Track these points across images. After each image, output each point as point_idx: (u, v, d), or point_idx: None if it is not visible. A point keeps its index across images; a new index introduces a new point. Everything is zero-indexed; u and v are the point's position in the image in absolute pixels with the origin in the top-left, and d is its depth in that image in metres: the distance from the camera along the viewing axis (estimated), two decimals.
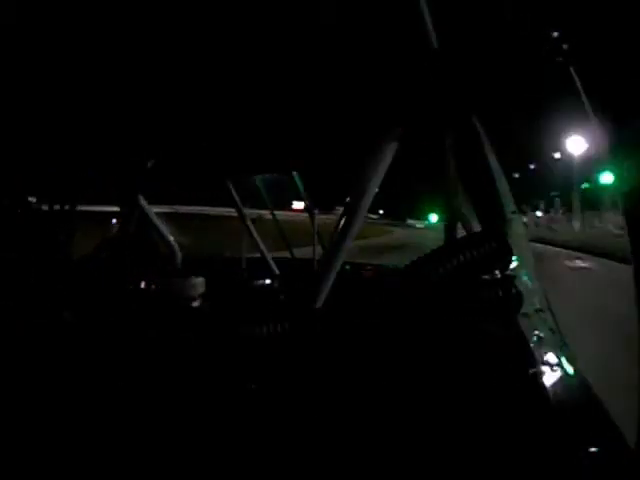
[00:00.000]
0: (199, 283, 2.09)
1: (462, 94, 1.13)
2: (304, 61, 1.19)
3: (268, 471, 0.62)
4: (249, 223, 2.71)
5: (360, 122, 1.55)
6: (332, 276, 1.02)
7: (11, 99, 1.31)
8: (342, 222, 1.08)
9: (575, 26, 0.58)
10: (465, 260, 0.98)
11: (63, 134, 1.66)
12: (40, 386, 0.80)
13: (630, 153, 0.56)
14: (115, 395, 0.76)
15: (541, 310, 1.14)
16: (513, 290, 1.07)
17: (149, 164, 2.23)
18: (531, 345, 1.01)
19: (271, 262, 2.65)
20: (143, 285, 2.00)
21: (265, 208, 3.13)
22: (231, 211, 2.82)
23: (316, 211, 3.25)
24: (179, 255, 2.64)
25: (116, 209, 2.43)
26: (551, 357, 0.98)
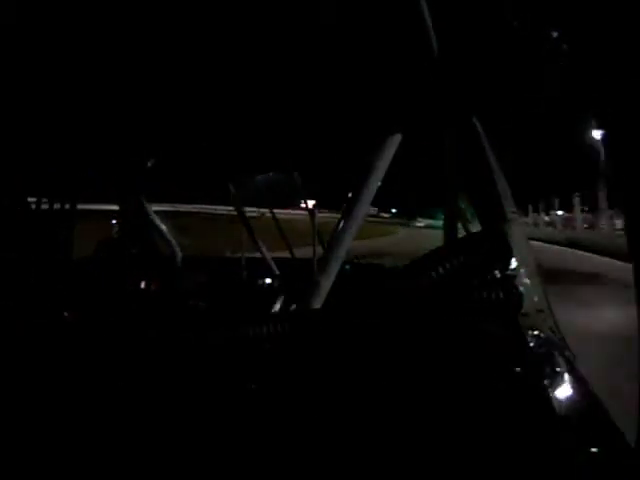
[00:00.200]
0: (199, 283, 2.09)
1: (462, 94, 1.13)
2: (306, 61, 1.19)
3: (268, 471, 0.62)
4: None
5: (361, 122, 1.55)
6: (332, 276, 1.02)
7: (11, 99, 1.31)
8: (342, 222, 1.08)
9: (575, 26, 0.58)
10: (465, 260, 0.98)
11: (63, 134, 1.66)
12: (40, 386, 0.80)
13: (630, 153, 0.57)
14: (115, 395, 0.76)
15: (541, 310, 1.14)
16: (513, 290, 1.07)
17: (149, 164, 2.23)
18: (531, 345, 1.01)
19: (271, 262, 2.65)
20: (143, 285, 2.00)
21: (274, 207, 3.10)
22: (250, 210, 2.84)
23: (316, 210, 3.25)
24: (179, 255, 2.64)
25: (115, 208, 2.43)
26: (551, 357, 0.98)
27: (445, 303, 0.97)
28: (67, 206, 1.94)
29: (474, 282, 1.05)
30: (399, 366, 0.84)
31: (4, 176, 1.61)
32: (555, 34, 0.59)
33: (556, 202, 25.75)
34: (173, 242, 2.63)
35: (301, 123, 1.73)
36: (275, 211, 3.10)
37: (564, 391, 0.82)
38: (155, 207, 2.61)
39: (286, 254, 3.09)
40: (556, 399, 0.77)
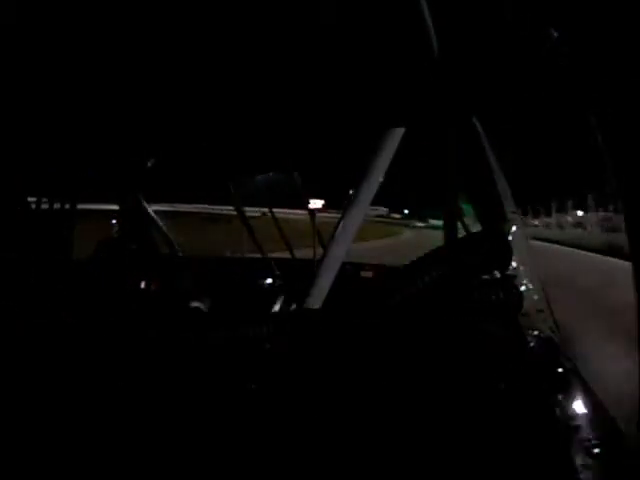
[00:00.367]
0: (199, 283, 2.09)
1: (462, 94, 1.13)
2: (306, 61, 1.19)
3: (268, 471, 0.62)
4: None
5: (361, 119, 1.54)
6: (331, 276, 1.02)
7: (11, 99, 1.31)
8: (342, 222, 1.08)
9: (575, 26, 0.58)
10: (465, 260, 0.98)
11: (63, 134, 1.66)
12: (40, 386, 0.79)
13: (630, 153, 0.56)
14: (115, 395, 0.76)
15: (541, 310, 1.14)
16: (513, 290, 1.07)
17: (149, 163, 2.23)
18: (531, 345, 1.01)
19: (271, 262, 2.65)
20: (143, 285, 2.00)
21: (279, 206, 3.08)
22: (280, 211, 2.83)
23: (315, 211, 3.25)
24: (179, 254, 2.64)
25: (115, 207, 2.43)
26: (551, 357, 0.98)
27: (445, 303, 0.97)
28: (67, 206, 1.94)
29: (474, 282, 1.05)
30: (399, 366, 0.84)
31: (4, 176, 1.61)
32: (555, 34, 0.59)
33: (569, 202, 23.56)
34: (173, 242, 2.63)
35: (302, 122, 1.73)
36: (281, 211, 3.10)
37: (564, 391, 0.82)
38: (155, 207, 2.62)
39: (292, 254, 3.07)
40: (556, 399, 0.77)
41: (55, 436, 0.69)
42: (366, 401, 0.74)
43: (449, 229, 1.49)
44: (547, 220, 27.04)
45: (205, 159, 2.35)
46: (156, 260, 2.45)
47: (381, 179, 1.07)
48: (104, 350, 0.94)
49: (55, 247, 1.82)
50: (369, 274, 2.69)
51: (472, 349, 0.91)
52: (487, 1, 0.99)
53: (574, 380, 0.86)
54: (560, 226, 24.39)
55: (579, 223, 22.60)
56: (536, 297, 1.13)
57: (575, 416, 0.73)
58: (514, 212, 1.26)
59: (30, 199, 1.75)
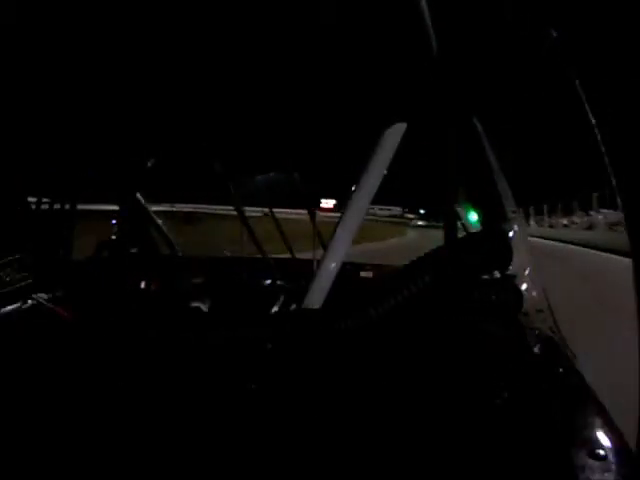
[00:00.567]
0: (199, 283, 2.09)
1: (462, 94, 1.13)
2: (307, 61, 1.19)
3: (268, 471, 0.62)
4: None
5: (360, 121, 1.54)
6: (331, 276, 1.02)
7: (11, 99, 1.31)
8: (341, 221, 1.07)
9: (575, 26, 0.58)
10: (465, 260, 0.98)
11: (63, 134, 1.66)
12: (40, 386, 0.79)
13: (630, 153, 0.56)
14: (115, 395, 0.76)
15: (541, 310, 1.14)
16: (513, 290, 1.07)
17: (149, 163, 2.23)
18: (531, 345, 1.01)
19: (271, 262, 2.64)
20: (143, 285, 2.00)
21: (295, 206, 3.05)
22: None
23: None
24: (179, 255, 2.64)
25: (115, 208, 2.43)
26: (551, 357, 0.98)
27: (445, 303, 0.97)
28: (67, 206, 1.94)
29: (474, 282, 1.05)
30: (399, 366, 0.84)
31: (4, 176, 1.61)
32: (555, 34, 0.59)
33: (594, 199, 19.72)
34: (173, 242, 2.63)
35: (302, 123, 1.73)
36: (282, 211, 3.09)
37: (564, 391, 0.82)
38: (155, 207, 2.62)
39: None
40: (556, 399, 0.77)
41: (55, 436, 0.69)
42: (366, 401, 0.74)
43: (449, 229, 1.49)
44: (574, 220, 23.52)
45: (205, 159, 2.35)
46: (156, 260, 2.45)
47: (380, 180, 1.07)
48: (104, 350, 0.94)
49: (55, 247, 1.82)
50: (369, 274, 2.69)
51: (472, 349, 0.91)
52: (487, 1, 0.99)
53: (574, 380, 0.86)
54: (591, 227, 19.73)
55: (616, 223, 17.49)
56: (536, 297, 1.13)
57: (575, 416, 0.73)
58: (514, 212, 1.26)
59: (30, 199, 1.75)
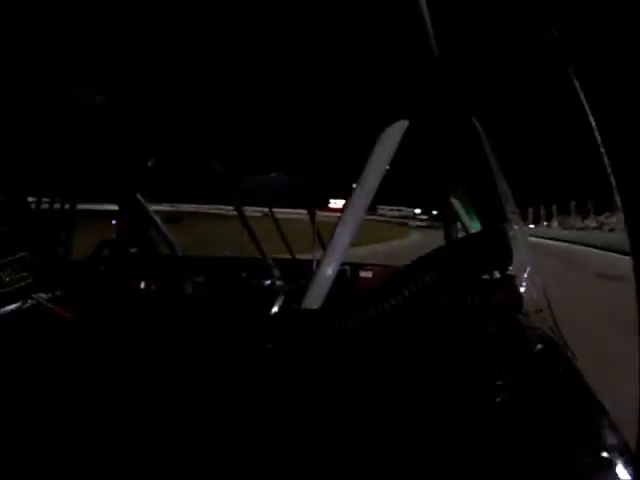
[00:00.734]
0: (199, 283, 2.09)
1: (462, 94, 1.13)
2: (307, 61, 1.19)
3: (268, 471, 0.62)
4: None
5: (360, 121, 1.55)
6: (331, 276, 1.02)
7: (12, 99, 1.31)
8: (342, 221, 1.07)
9: (575, 26, 0.58)
10: (465, 260, 0.98)
11: (63, 134, 1.66)
12: (40, 386, 0.79)
13: (630, 153, 0.56)
14: (115, 395, 0.76)
15: (541, 310, 1.14)
16: (513, 290, 1.07)
17: (149, 163, 2.23)
18: (531, 345, 1.01)
19: (271, 262, 2.65)
20: (143, 285, 2.00)
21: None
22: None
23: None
24: (179, 255, 2.64)
25: (115, 208, 2.43)
26: (551, 357, 0.98)
27: (445, 303, 0.97)
28: (67, 206, 1.94)
29: (474, 282, 1.05)
30: (399, 366, 0.84)
31: (4, 176, 1.61)
32: (555, 34, 0.59)
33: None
34: (173, 242, 2.63)
35: (303, 124, 1.73)
36: (283, 211, 3.09)
37: (564, 391, 0.82)
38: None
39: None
40: (556, 399, 0.77)
41: (55, 436, 0.69)
42: (366, 401, 0.74)
43: (449, 229, 1.49)
44: (604, 221, 22.92)
45: (205, 159, 2.35)
46: (156, 260, 2.45)
47: (380, 180, 1.07)
48: (104, 350, 0.94)
49: (55, 247, 1.82)
50: (369, 274, 2.69)
51: (472, 349, 0.91)
52: (487, 1, 0.99)
53: (574, 380, 0.86)
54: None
55: None
56: (536, 297, 1.13)
57: (575, 416, 0.73)
58: (514, 212, 1.26)
59: (30, 199, 1.75)
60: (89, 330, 1.17)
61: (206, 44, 1.11)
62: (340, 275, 1.05)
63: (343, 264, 1.05)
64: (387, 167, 1.08)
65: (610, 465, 0.59)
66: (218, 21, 1.03)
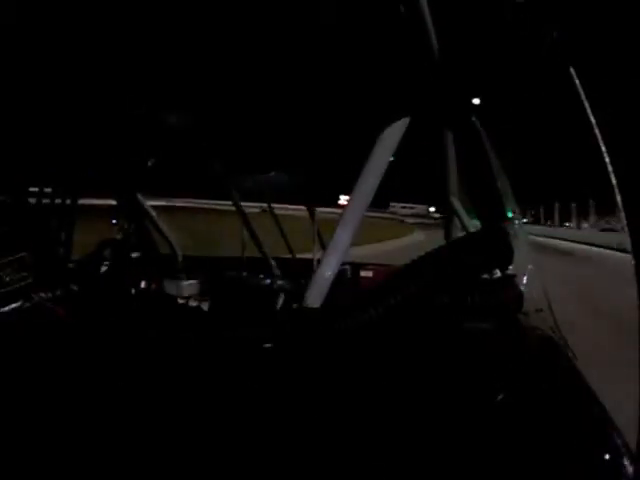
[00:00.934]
0: (199, 283, 2.09)
1: (463, 94, 1.13)
2: (307, 62, 1.19)
3: (268, 471, 0.62)
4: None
5: (360, 120, 1.54)
6: (331, 276, 1.02)
7: (12, 99, 1.31)
8: (342, 220, 1.07)
9: (575, 26, 0.58)
10: (465, 260, 0.98)
11: (63, 134, 1.66)
12: (40, 386, 0.80)
13: (630, 152, 0.56)
14: (115, 395, 0.76)
15: (541, 310, 1.14)
16: (513, 290, 1.08)
17: (149, 163, 2.23)
18: (531, 345, 1.01)
19: (271, 262, 2.65)
20: (143, 285, 2.00)
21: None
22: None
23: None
24: (179, 254, 2.64)
25: (113, 203, 2.43)
26: (551, 357, 0.98)
27: (445, 303, 0.97)
28: (67, 206, 1.94)
29: (474, 282, 1.05)
30: (399, 366, 0.84)
31: (4, 176, 1.61)
32: (555, 34, 0.59)
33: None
34: (173, 242, 2.63)
35: (303, 123, 1.73)
36: (282, 206, 3.08)
37: (564, 391, 0.82)
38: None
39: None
40: (556, 399, 0.77)
41: (55, 436, 0.69)
42: (366, 401, 0.74)
43: (449, 229, 1.49)
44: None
45: (205, 158, 2.35)
46: (156, 260, 2.45)
47: (380, 179, 1.07)
48: (104, 350, 0.94)
49: (55, 247, 1.82)
50: (369, 274, 2.69)
51: (472, 349, 0.91)
52: (487, 1, 0.99)
53: (574, 380, 0.86)
54: None
55: None
56: (536, 296, 1.13)
57: (575, 416, 0.73)
58: (514, 211, 1.26)
59: (30, 199, 1.75)
60: (89, 330, 1.17)
61: (207, 44, 1.11)
62: (340, 274, 1.05)
63: (344, 264, 1.05)
64: (391, 159, 1.07)
65: (610, 465, 0.59)
66: (219, 21, 1.03)
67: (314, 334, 0.92)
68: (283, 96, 1.44)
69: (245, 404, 0.75)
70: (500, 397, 0.76)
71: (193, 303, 1.93)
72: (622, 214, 0.56)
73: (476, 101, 1.20)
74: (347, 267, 2.46)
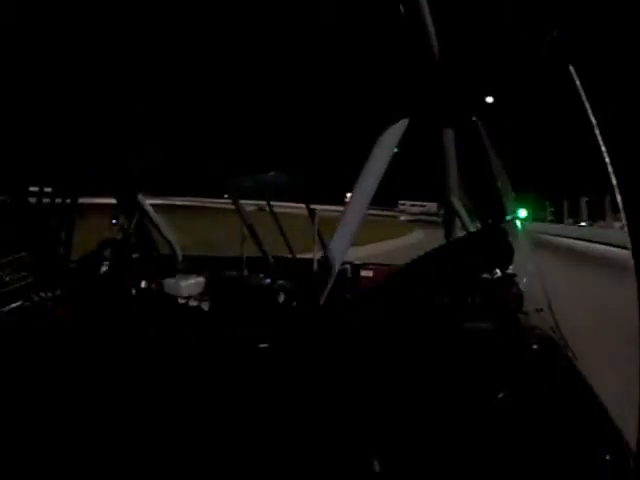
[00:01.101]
0: (199, 283, 2.09)
1: (463, 94, 1.13)
2: (308, 61, 1.19)
3: (268, 470, 0.62)
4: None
5: (360, 121, 1.54)
6: (332, 276, 1.02)
7: (12, 99, 1.31)
8: (342, 220, 1.07)
9: (575, 26, 0.58)
10: (465, 260, 0.98)
11: (63, 134, 1.65)
12: (40, 385, 0.79)
13: (630, 152, 0.56)
14: (115, 394, 0.76)
15: (541, 310, 1.14)
16: (513, 289, 1.08)
17: (149, 163, 2.22)
18: (531, 345, 1.01)
19: (271, 261, 2.64)
20: (143, 285, 2.00)
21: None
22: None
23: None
24: (179, 254, 2.64)
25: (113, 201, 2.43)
26: (551, 357, 0.98)
27: (445, 303, 0.97)
28: (67, 206, 1.94)
29: (475, 281, 1.05)
30: (400, 365, 0.84)
31: (4, 176, 1.61)
32: (555, 34, 0.59)
33: None
34: (173, 242, 2.63)
35: (303, 123, 1.73)
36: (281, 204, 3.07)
37: (564, 391, 0.82)
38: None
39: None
40: (556, 399, 0.77)
41: (55, 435, 0.69)
42: (367, 399, 0.74)
43: (449, 229, 1.49)
44: None
45: (205, 158, 2.34)
46: (156, 260, 2.45)
47: (379, 179, 1.07)
48: (104, 350, 0.94)
49: (55, 247, 1.82)
50: (369, 274, 2.69)
51: (472, 348, 0.91)
52: (488, 1, 0.99)
53: (574, 380, 0.86)
54: None
55: None
56: (537, 296, 1.13)
57: (575, 416, 0.73)
58: (514, 211, 1.26)
59: (30, 199, 1.75)
60: (89, 330, 1.17)
61: (207, 44, 1.11)
62: (340, 274, 1.05)
63: (344, 263, 1.05)
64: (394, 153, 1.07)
65: (610, 465, 0.59)
66: (219, 21, 1.02)
67: (314, 334, 0.92)
68: (283, 96, 1.43)
69: (245, 403, 0.75)
70: (500, 396, 0.76)
71: (193, 303, 1.93)
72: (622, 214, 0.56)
73: (489, 99, 1.20)
74: (347, 267, 2.46)
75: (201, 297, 1.99)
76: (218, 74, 1.31)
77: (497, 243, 1.03)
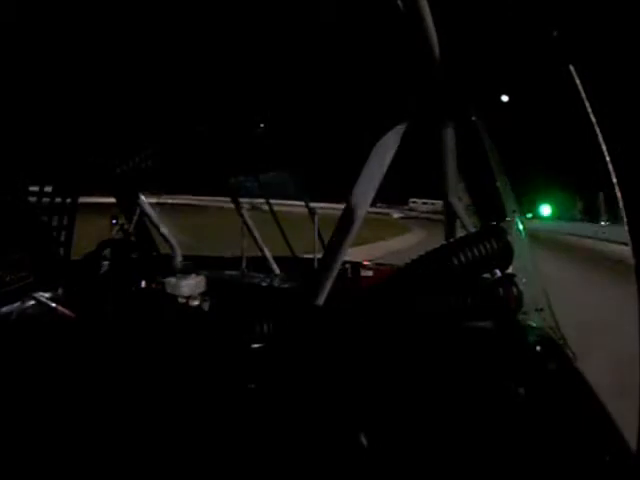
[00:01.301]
0: (199, 282, 2.09)
1: (463, 93, 1.13)
2: (308, 61, 1.19)
3: (268, 470, 0.62)
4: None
5: (361, 121, 1.54)
6: (332, 275, 1.02)
7: (12, 98, 1.31)
8: (342, 220, 1.07)
9: (575, 26, 0.58)
10: (465, 259, 0.98)
11: (64, 134, 1.65)
12: (41, 384, 0.80)
13: (630, 152, 0.56)
14: (115, 393, 0.76)
15: (541, 309, 1.14)
16: (513, 289, 1.08)
17: (149, 163, 2.22)
18: (531, 345, 1.01)
19: (272, 261, 2.64)
20: (143, 285, 2.00)
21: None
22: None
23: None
24: (179, 254, 2.64)
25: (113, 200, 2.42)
26: (551, 357, 0.98)
27: (445, 303, 0.97)
28: (67, 206, 1.94)
29: (475, 281, 1.05)
30: (401, 364, 0.84)
31: (5, 176, 1.61)
32: (555, 34, 0.59)
33: None
34: (173, 241, 2.62)
35: (303, 123, 1.73)
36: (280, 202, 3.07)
37: (564, 391, 0.82)
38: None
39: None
40: (556, 399, 0.77)
41: (55, 434, 0.69)
42: (367, 399, 0.74)
43: (449, 229, 1.48)
44: None
45: (204, 159, 2.34)
46: (156, 260, 2.44)
47: (381, 179, 1.07)
48: (104, 349, 0.95)
49: (55, 246, 1.82)
50: (369, 273, 2.69)
51: (472, 348, 0.92)
52: (488, 1, 0.99)
53: (574, 380, 0.86)
54: None
55: None
56: (537, 296, 1.13)
57: (575, 416, 0.73)
58: (515, 211, 1.26)
59: (31, 199, 1.75)
60: (89, 330, 1.17)
61: (207, 44, 1.11)
62: (341, 274, 1.05)
63: (344, 263, 1.06)
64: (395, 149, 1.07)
65: (610, 465, 0.59)
66: (220, 22, 1.02)
67: (315, 334, 0.92)
68: (283, 96, 1.43)
69: (244, 403, 0.75)
70: (500, 396, 0.76)
71: (193, 303, 1.93)
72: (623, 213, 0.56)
73: (504, 98, 1.20)
74: (347, 266, 2.46)
75: (201, 296, 1.99)
76: (218, 74, 1.31)
77: (497, 243, 1.03)
